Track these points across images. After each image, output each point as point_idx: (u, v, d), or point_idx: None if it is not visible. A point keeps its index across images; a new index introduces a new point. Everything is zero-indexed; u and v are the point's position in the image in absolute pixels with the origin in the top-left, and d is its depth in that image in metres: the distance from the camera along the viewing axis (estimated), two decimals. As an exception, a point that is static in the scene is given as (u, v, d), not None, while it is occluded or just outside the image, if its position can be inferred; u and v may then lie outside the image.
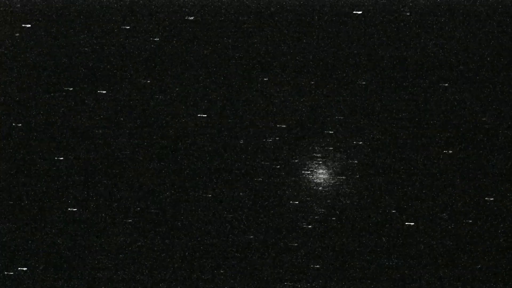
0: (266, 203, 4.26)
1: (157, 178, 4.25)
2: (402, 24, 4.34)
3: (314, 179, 4.29)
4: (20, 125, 4.23)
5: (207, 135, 4.27)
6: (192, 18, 4.28)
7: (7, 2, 4.26)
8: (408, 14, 4.33)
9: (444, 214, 4.24)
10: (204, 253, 4.23)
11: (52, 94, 4.25)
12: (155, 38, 4.28)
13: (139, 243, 4.23)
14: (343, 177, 4.30)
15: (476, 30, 4.34)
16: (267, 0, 4.32)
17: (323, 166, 4.30)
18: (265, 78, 4.30)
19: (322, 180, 4.30)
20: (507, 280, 4.23)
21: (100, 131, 4.24)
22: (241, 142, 4.27)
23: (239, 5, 4.31)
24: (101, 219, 4.23)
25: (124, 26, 4.28)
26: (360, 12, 4.31)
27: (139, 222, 4.24)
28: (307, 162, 4.31)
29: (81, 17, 4.29)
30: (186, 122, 4.28)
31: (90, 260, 4.22)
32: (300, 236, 4.25)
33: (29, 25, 4.27)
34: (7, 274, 4.16)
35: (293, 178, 4.29)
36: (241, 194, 4.25)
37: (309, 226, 4.26)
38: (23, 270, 4.18)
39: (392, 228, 4.26)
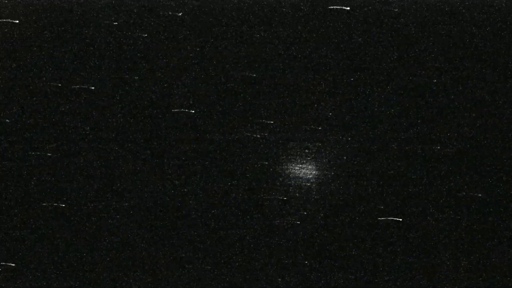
0: (254, 199, 4.25)
1: (143, 174, 4.24)
2: (390, 21, 4.35)
3: (302, 175, 4.29)
4: (8, 120, 4.22)
5: (195, 131, 4.27)
6: (180, 14, 4.29)
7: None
8: (397, 10, 4.34)
9: (432, 210, 4.25)
10: (189, 250, 4.23)
11: (38, 89, 4.24)
12: (144, 34, 4.28)
13: (119, 239, 4.23)
14: (332, 173, 4.30)
15: (466, 27, 4.35)
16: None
17: (312, 162, 4.30)
18: (254, 74, 4.30)
19: (311, 176, 4.30)
20: (487, 275, 4.24)
21: (88, 127, 4.24)
22: (229, 138, 4.27)
23: (226, 1, 4.31)
24: (87, 215, 4.22)
25: (112, 22, 4.28)
26: (348, 8, 4.32)
27: (123, 218, 4.23)
28: (296, 158, 4.31)
29: (68, 12, 4.28)
30: (173, 118, 4.27)
31: (78, 256, 4.21)
32: (288, 232, 4.25)
33: (17, 21, 4.27)
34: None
35: (281, 174, 4.28)
36: (227, 190, 4.25)
37: (298, 222, 4.26)
38: (11, 265, 4.18)
39: (381, 224, 4.26)
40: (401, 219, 4.25)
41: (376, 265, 4.24)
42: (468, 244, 4.26)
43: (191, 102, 4.28)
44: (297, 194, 4.28)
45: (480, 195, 4.27)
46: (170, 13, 4.28)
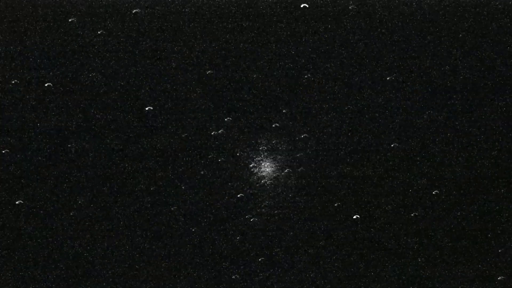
0: (210, 195, 4.21)
1: (98, 172, 4.23)
2: (345, 17, 4.28)
3: (259, 171, 4.22)
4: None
5: (152, 128, 4.24)
6: (138, 10, 4.28)
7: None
8: (355, 7, 4.27)
9: (389, 207, 4.14)
10: (147, 249, 4.17)
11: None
12: (99, 31, 4.29)
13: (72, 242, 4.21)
14: (289, 170, 4.21)
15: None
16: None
17: (269, 159, 4.22)
18: (210, 70, 4.26)
19: (267, 173, 4.22)
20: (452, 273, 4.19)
21: (46, 124, 4.25)
22: (186, 135, 4.23)
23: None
24: (46, 213, 4.22)
25: (69, 18, 4.31)
26: (306, 6, 4.26)
27: (76, 217, 4.22)
28: (252, 155, 4.23)
29: (26, 8, 4.33)
30: (131, 116, 4.26)
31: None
32: (245, 229, 4.19)
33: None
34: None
35: (238, 171, 4.21)
36: (183, 187, 4.20)
37: (253, 219, 4.20)
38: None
39: (338, 221, 4.20)
40: (359, 216, 4.21)
41: (333, 262, 4.19)
42: (427, 241, 4.19)
43: (147, 99, 4.25)
44: (254, 191, 4.20)
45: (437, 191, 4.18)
46: (127, 10, 4.28)
